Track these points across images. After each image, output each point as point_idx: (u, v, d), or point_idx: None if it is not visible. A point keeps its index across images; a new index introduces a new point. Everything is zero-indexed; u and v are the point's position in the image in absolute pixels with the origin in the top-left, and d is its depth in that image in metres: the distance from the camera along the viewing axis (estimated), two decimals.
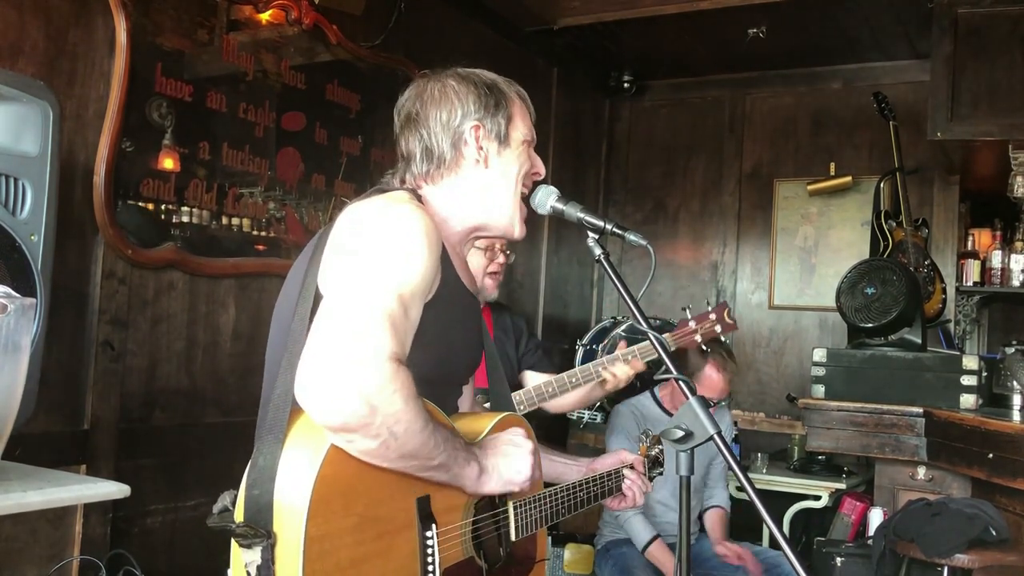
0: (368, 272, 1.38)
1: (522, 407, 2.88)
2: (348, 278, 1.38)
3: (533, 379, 3.15)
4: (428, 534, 1.42)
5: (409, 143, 1.64)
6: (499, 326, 3.18)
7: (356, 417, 1.26)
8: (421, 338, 1.42)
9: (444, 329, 1.51)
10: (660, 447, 2.02)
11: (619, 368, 2.94)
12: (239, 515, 1.31)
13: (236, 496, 1.33)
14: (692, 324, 3.08)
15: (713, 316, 3.08)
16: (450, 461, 1.40)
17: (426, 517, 1.42)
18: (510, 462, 1.51)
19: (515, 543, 1.61)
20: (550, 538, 3.90)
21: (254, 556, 1.26)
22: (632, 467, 1.93)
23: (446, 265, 1.52)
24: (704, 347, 3.20)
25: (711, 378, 3.37)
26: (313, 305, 1.40)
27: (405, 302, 1.37)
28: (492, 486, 1.49)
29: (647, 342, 3.03)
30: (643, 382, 3.60)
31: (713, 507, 3.60)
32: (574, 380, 2.95)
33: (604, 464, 1.92)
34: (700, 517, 3.63)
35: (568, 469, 1.91)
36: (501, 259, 2.99)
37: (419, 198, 1.59)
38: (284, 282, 1.60)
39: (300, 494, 1.26)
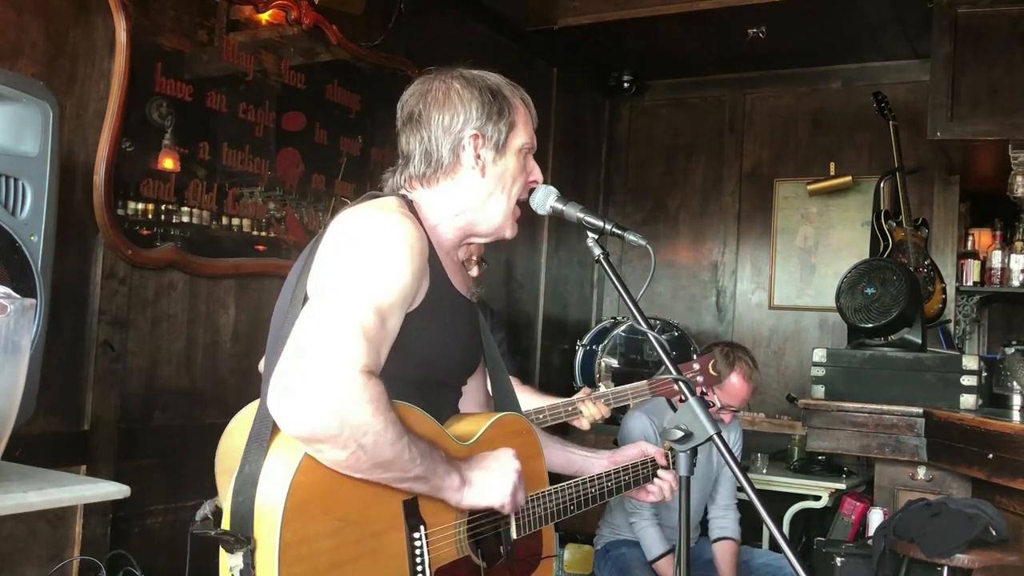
0: (346, 282, 1.38)
1: None
2: (327, 288, 1.39)
3: None
4: (416, 535, 1.42)
5: (410, 142, 1.64)
6: None
7: (322, 428, 1.27)
8: (407, 345, 1.43)
9: (433, 335, 1.51)
10: None
11: (588, 408, 2.87)
12: (226, 521, 1.33)
13: (216, 504, 1.35)
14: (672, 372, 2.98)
15: (696, 366, 2.98)
16: (428, 473, 1.40)
17: (413, 518, 1.42)
18: (492, 478, 1.50)
19: (518, 540, 1.61)
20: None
21: (237, 561, 1.29)
22: (656, 461, 1.92)
23: (436, 271, 1.52)
24: (731, 354, 3.17)
25: (735, 385, 3.31)
26: None
27: (382, 313, 1.37)
28: (473, 499, 1.48)
29: (616, 389, 2.96)
30: None
31: (724, 539, 3.43)
32: (555, 413, 2.89)
33: (626, 456, 1.92)
34: (702, 523, 3.60)
35: (588, 462, 1.90)
36: (475, 272, 2.99)
37: (411, 203, 1.59)
38: (281, 289, 1.60)
39: (276, 500, 1.29)
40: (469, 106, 1.60)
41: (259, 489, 1.31)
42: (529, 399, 2.89)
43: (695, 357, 3.06)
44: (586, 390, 2.99)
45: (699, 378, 2.97)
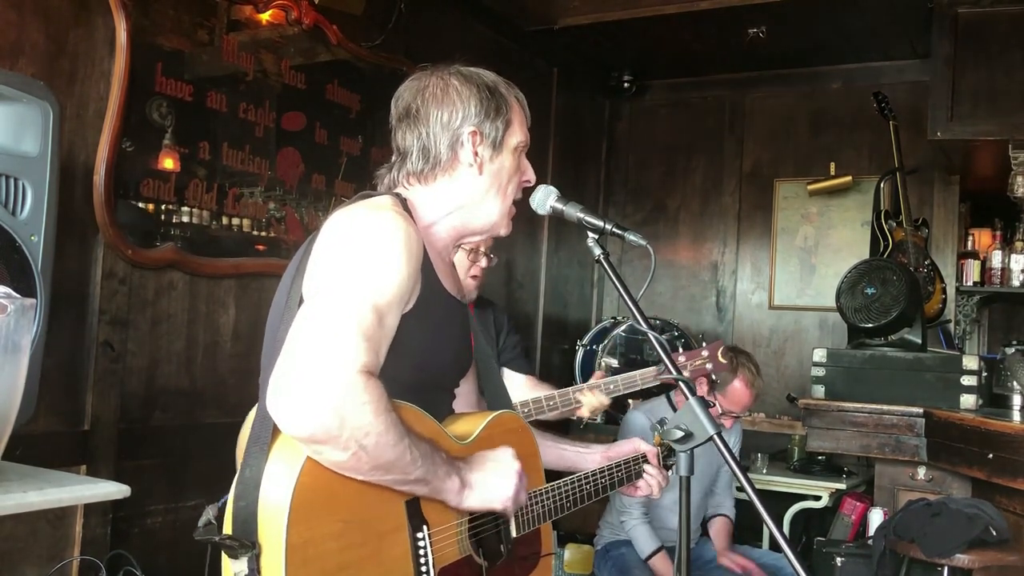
0: (342, 281, 1.37)
1: None
2: (323, 288, 1.38)
3: (508, 383, 3.14)
4: (419, 535, 1.42)
5: (406, 139, 1.63)
6: (480, 322, 3.17)
7: (323, 429, 1.26)
8: (402, 346, 1.42)
9: (426, 336, 1.50)
10: None
11: (587, 397, 2.89)
12: (228, 526, 1.32)
13: (220, 509, 1.34)
14: (682, 359, 2.98)
15: (705, 354, 2.98)
16: (429, 475, 1.39)
17: (416, 518, 1.42)
18: (492, 480, 1.49)
19: (517, 538, 1.61)
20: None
21: (241, 566, 1.28)
22: (647, 459, 1.93)
23: (427, 272, 1.51)
24: (735, 359, 3.16)
25: (738, 391, 3.32)
26: None
27: (380, 312, 1.36)
28: (473, 501, 1.47)
29: (624, 375, 2.97)
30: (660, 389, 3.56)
31: (718, 515, 3.56)
32: (552, 403, 2.90)
33: (620, 452, 1.92)
34: (703, 523, 3.61)
35: (581, 458, 1.90)
36: (483, 263, 2.99)
37: (404, 202, 1.58)
38: (276, 291, 1.59)
39: (280, 503, 1.27)
40: (468, 103, 1.60)
41: (262, 492, 1.30)
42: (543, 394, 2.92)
43: (704, 345, 3.05)
44: (598, 374, 2.98)
45: (708, 365, 2.97)
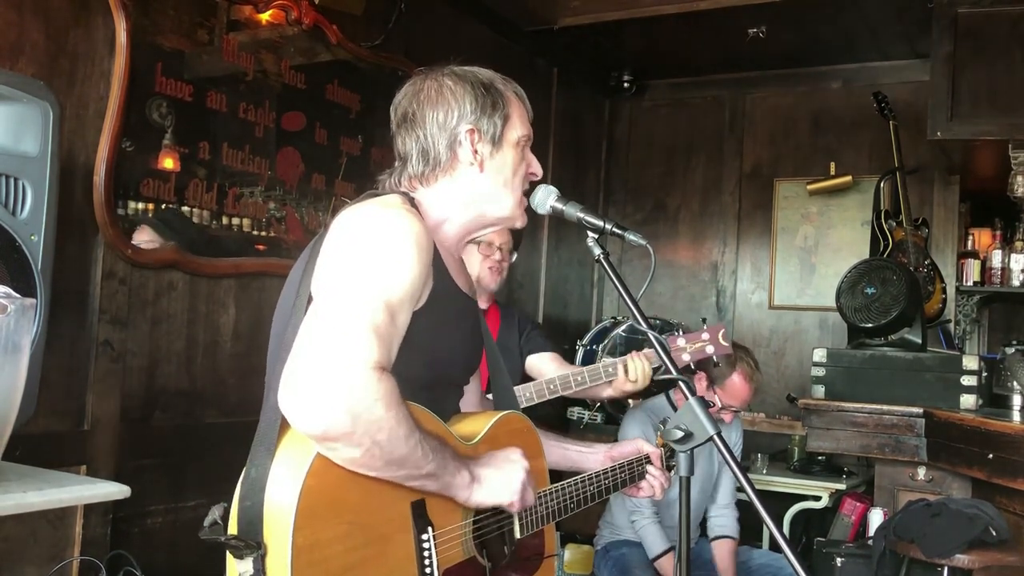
0: (354, 279, 1.37)
1: (522, 401, 2.85)
2: (334, 285, 1.38)
3: (537, 362, 3.16)
4: (424, 537, 1.42)
5: (406, 143, 1.63)
6: (505, 324, 3.21)
7: (337, 425, 1.25)
8: (413, 343, 1.42)
9: (437, 333, 1.50)
10: None
11: (636, 364, 2.88)
12: (233, 526, 1.31)
13: (226, 509, 1.34)
14: (681, 342, 2.97)
15: (706, 336, 2.98)
16: (440, 470, 1.39)
17: (421, 520, 1.42)
18: (501, 476, 1.50)
19: (521, 540, 1.61)
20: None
21: (246, 567, 1.28)
22: (650, 460, 1.93)
23: (439, 269, 1.51)
24: (733, 354, 3.16)
25: (736, 385, 3.31)
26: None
27: (392, 309, 1.36)
28: (481, 496, 1.47)
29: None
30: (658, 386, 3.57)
31: (723, 537, 3.44)
32: (579, 379, 2.92)
33: (623, 452, 1.92)
34: (702, 523, 3.60)
35: (584, 457, 1.90)
36: (497, 256, 3.00)
37: (412, 201, 1.57)
38: (282, 290, 1.59)
39: (287, 505, 1.27)
40: (463, 101, 1.59)
41: (268, 493, 1.30)
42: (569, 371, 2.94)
43: (705, 326, 3.05)
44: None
45: (709, 348, 2.96)
